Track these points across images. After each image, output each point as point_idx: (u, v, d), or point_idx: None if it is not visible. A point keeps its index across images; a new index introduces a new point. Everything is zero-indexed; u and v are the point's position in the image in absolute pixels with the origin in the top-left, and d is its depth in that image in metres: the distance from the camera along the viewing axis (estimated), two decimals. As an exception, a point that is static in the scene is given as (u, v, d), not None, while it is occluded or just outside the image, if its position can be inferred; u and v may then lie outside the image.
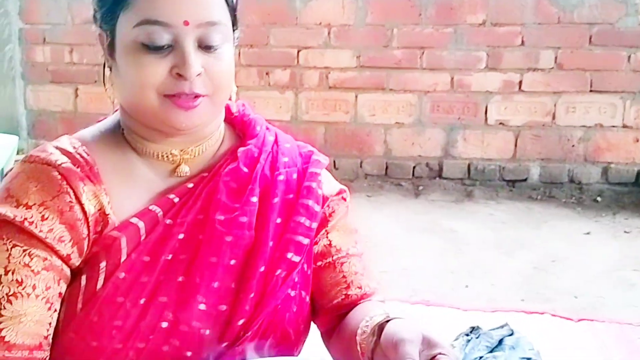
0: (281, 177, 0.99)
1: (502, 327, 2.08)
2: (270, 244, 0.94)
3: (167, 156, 0.97)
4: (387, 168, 3.95)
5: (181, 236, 0.92)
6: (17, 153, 2.75)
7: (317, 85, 3.95)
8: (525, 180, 3.86)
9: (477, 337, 2.02)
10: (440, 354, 0.77)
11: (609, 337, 2.02)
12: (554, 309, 2.26)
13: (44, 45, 4.16)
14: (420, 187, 3.84)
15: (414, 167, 3.91)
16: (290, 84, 3.97)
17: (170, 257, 0.91)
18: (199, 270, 0.91)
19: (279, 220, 0.96)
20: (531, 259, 2.81)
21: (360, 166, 3.93)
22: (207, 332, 0.90)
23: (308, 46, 3.92)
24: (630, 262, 2.77)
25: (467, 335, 2.03)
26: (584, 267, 2.71)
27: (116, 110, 1.04)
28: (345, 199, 1.06)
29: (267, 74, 3.96)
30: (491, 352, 1.96)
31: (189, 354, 0.90)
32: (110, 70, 0.97)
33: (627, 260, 2.80)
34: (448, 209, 3.53)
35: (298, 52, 3.93)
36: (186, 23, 0.87)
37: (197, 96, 0.90)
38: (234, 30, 0.95)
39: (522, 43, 3.73)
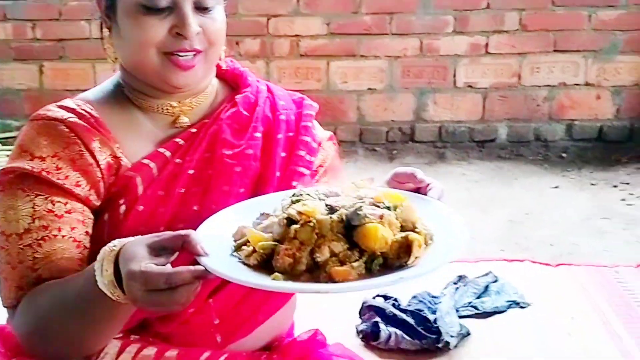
0: (282, 117, 1.11)
1: (486, 274, 2.20)
2: (278, 174, 1.06)
3: (166, 109, 1.05)
4: (361, 134, 4.02)
5: (191, 172, 1.02)
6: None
7: (288, 53, 3.96)
8: (494, 140, 3.99)
9: (464, 285, 2.13)
10: (428, 185, 0.95)
11: (587, 280, 2.15)
12: (533, 257, 2.38)
13: (5, 22, 4.04)
14: (394, 152, 3.93)
15: (387, 132, 3.99)
16: (261, 53, 3.98)
17: (183, 190, 1.01)
18: (213, 199, 1.00)
19: (283, 154, 1.08)
20: (506, 214, 2.94)
21: (335, 133, 3.94)
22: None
23: (278, 14, 3.92)
24: (599, 211, 2.92)
25: (455, 283, 2.14)
26: (556, 218, 2.85)
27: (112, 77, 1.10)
28: (335, 142, 1.21)
29: (237, 43, 3.96)
30: (478, 297, 2.07)
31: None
32: (110, 31, 1.02)
33: (596, 210, 2.95)
34: (422, 171, 3.61)
35: (268, 20, 3.93)
36: None
37: (195, 54, 0.98)
38: None
39: (488, 6, 3.82)
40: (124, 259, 0.82)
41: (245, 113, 1.09)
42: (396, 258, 0.80)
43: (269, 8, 3.90)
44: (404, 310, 1.85)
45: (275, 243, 0.83)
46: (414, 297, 1.98)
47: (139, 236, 0.85)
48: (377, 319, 1.81)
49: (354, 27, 3.88)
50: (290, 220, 0.83)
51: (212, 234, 0.89)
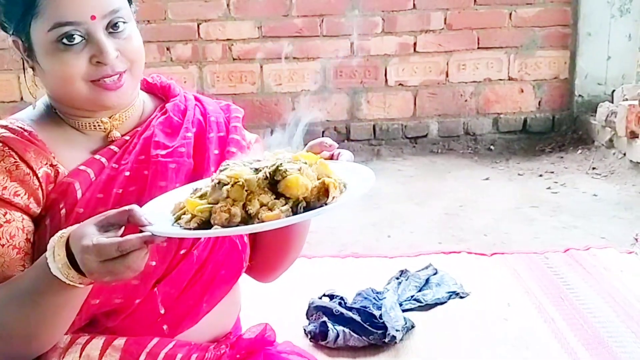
0: (212, 119, 1.17)
1: (426, 267, 2.29)
2: (212, 169, 1.10)
3: (98, 125, 1.09)
4: (297, 135, 4.05)
5: (127, 173, 1.07)
6: None
7: (220, 57, 3.95)
8: (425, 136, 4.12)
9: (406, 279, 2.21)
10: (340, 153, 1.02)
11: (519, 266, 2.27)
12: (469, 248, 2.49)
13: None
14: (331, 151, 3.99)
15: (323, 132, 4.04)
16: (193, 58, 3.95)
17: (120, 191, 1.05)
18: (150, 195, 1.04)
19: (216, 152, 1.14)
20: (441, 206, 3.04)
21: (271, 135, 3.99)
22: (164, 244, 1.01)
23: (208, 19, 3.91)
24: (528, 200, 3.08)
25: (398, 278, 2.21)
26: (488, 208, 2.98)
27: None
28: (261, 143, 1.24)
29: (167, 49, 3.92)
30: (420, 290, 2.15)
31: (153, 263, 1.03)
32: (33, 70, 1.07)
33: (525, 199, 3.10)
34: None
35: (198, 25, 3.91)
36: (93, 17, 0.99)
37: (120, 75, 1.03)
38: (130, 6, 1.07)
39: (414, 6, 3.94)
40: (75, 239, 0.87)
41: (176, 118, 1.14)
42: (317, 200, 0.89)
43: (199, 13, 3.88)
44: (350, 308, 1.89)
45: (211, 205, 0.90)
46: (359, 294, 2.03)
47: (87, 219, 0.90)
48: (324, 318, 1.85)
49: (286, 29, 3.92)
50: (222, 184, 0.91)
51: (152, 212, 0.94)
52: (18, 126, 1.04)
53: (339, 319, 1.85)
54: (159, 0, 3.83)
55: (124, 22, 1.03)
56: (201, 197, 0.93)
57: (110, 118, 1.09)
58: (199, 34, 3.91)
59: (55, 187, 1.03)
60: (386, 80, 4.04)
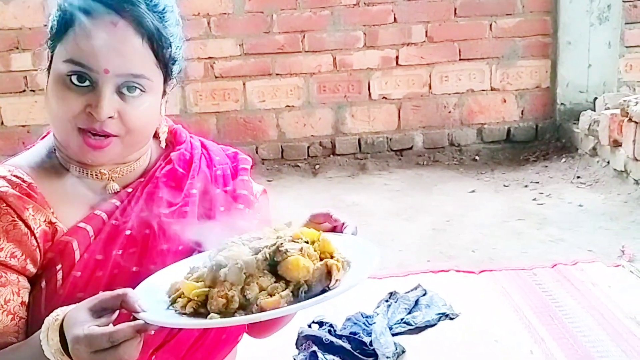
0: (219, 172, 1.12)
1: (415, 288, 2.28)
2: (218, 229, 1.04)
3: (96, 175, 1.04)
4: (282, 151, 4.04)
5: (128, 232, 1.02)
6: None
7: (203, 76, 3.94)
8: (411, 148, 4.12)
9: (395, 302, 2.20)
10: (344, 224, 1.00)
11: (508, 284, 2.27)
12: (457, 265, 2.49)
13: None
14: (317, 166, 3.98)
15: (308, 147, 4.04)
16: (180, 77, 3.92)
17: (120, 252, 1.01)
18: (151, 259, 1.00)
19: (222, 209, 1.09)
20: (429, 222, 3.04)
21: (256, 152, 3.99)
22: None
23: (189, 38, 3.88)
24: (514, 212, 3.08)
25: (387, 301, 2.20)
26: (475, 223, 2.98)
27: (48, 133, 1.09)
28: (267, 196, 1.20)
29: (149, 69, 3.89)
30: (410, 313, 2.14)
31: (151, 332, 0.98)
32: (46, 89, 1.02)
33: (511, 211, 3.11)
34: (346, 184, 3.70)
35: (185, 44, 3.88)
36: (106, 71, 0.95)
37: (108, 137, 0.97)
38: (165, 82, 1.03)
39: (395, 20, 3.94)
40: (67, 325, 0.84)
41: (181, 170, 1.09)
42: (319, 283, 0.85)
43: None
44: (339, 336, 1.88)
45: (208, 289, 0.86)
46: (348, 319, 2.02)
47: (81, 302, 0.87)
48: (314, 348, 1.83)
49: (268, 46, 3.91)
50: (219, 266, 0.87)
51: (147, 293, 0.91)
52: (17, 176, 0.99)
53: (329, 347, 1.84)
54: (139, 20, 3.80)
55: (142, 90, 0.97)
56: (198, 279, 0.89)
57: (110, 170, 1.04)
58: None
59: (52, 246, 0.98)
60: (370, 94, 4.04)
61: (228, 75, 3.94)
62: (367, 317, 2.04)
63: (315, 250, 0.89)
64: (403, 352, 1.88)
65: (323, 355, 1.81)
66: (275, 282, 0.86)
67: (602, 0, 3.89)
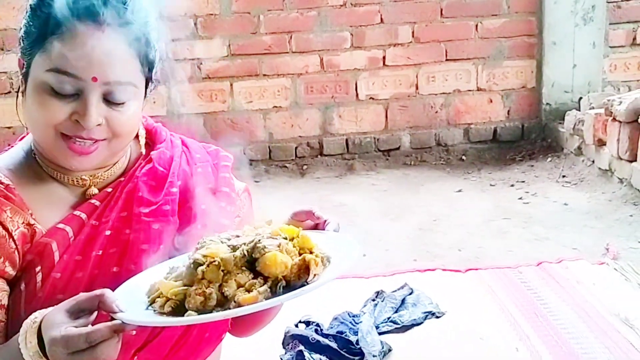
0: (200, 170, 1.11)
1: (402, 287, 2.29)
2: (199, 227, 1.05)
3: (77, 181, 1.04)
4: (270, 152, 4.04)
5: (108, 232, 1.01)
6: None
7: (190, 77, 3.92)
8: (398, 148, 4.14)
9: (382, 301, 2.20)
10: (326, 221, 1.00)
11: (494, 282, 2.28)
12: (444, 264, 2.50)
13: None
14: (305, 167, 3.98)
15: (295, 148, 4.04)
16: (161, 77, 3.91)
17: (100, 252, 1.00)
18: (132, 259, 1.00)
19: (203, 207, 1.08)
20: (416, 221, 3.06)
21: (244, 153, 3.98)
22: (134, 333, 0.97)
23: (175, 38, 3.87)
24: (500, 212, 3.10)
25: (374, 300, 2.20)
26: (462, 222, 3.00)
27: (27, 134, 1.08)
28: (249, 194, 1.21)
29: (136, 70, 3.87)
30: (396, 312, 2.15)
31: (133, 332, 0.98)
32: (23, 95, 1.00)
33: (498, 210, 3.13)
34: (334, 184, 3.70)
35: (165, 45, 3.87)
36: (94, 79, 0.93)
37: (95, 142, 0.97)
38: (147, 87, 1.04)
39: (382, 21, 3.96)
40: (45, 327, 0.84)
41: (161, 169, 1.09)
42: (297, 279, 0.86)
43: (165, 32, 3.84)
44: (326, 335, 1.88)
45: (186, 287, 0.87)
46: (335, 318, 2.02)
47: (59, 304, 0.86)
48: (301, 347, 1.83)
49: (255, 47, 3.91)
50: (197, 264, 0.87)
51: (128, 294, 0.90)
52: None
53: (316, 346, 1.84)
54: (125, 21, 3.79)
55: (125, 98, 0.97)
56: (176, 278, 0.89)
57: (91, 176, 1.04)
58: (166, 53, 3.87)
59: (31, 248, 0.98)
60: (357, 95, 4.05)
61: (215, 76, 3.94)
62: (353, 316, 2.05)
63: (294, 247, 0.89)
64: (389, 350, 1.88)
65: (310, 354, 1.81)
66: (253, 278, 0.86)
67: (586, 1, 3.93)
